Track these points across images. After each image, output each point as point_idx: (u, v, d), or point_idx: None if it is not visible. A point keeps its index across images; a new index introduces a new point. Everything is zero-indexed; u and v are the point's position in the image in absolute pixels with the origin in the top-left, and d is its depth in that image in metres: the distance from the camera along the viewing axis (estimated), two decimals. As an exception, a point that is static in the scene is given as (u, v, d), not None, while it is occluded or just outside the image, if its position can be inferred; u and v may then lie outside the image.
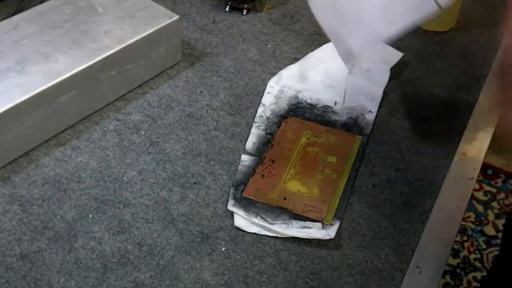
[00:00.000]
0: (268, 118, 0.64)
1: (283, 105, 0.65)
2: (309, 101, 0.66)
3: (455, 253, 1.41)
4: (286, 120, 0.63)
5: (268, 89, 0.67)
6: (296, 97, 0.66)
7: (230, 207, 0.54)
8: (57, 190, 0.55)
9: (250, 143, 0.61)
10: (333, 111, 0.65)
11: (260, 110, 0.65)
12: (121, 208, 0.54)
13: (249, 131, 0.63)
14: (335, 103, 0.66)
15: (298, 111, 0.65)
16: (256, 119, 0.63)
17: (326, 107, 0.65)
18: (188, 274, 0.50)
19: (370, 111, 0.65)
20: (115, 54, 0.61)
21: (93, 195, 0.55)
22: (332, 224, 0.53)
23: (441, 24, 0.79)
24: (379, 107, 0.66)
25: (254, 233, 0.53)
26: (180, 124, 0.63)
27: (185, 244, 0.52)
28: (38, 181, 0.56)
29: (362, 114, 0.65)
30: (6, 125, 0.55)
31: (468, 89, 0.70)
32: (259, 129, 0.62)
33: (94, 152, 0.59)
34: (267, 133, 0.62)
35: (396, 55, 0.72)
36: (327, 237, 0.52)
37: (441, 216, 0.56)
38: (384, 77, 0.69)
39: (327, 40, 0.75)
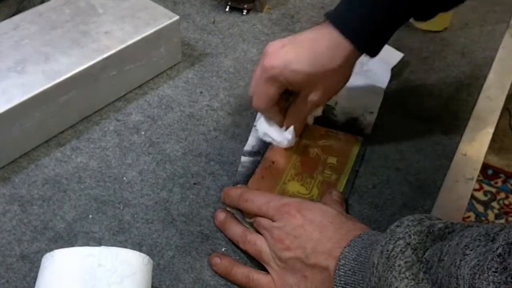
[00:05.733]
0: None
1: None
2: None
3: (455, 253, 1.41)
4: None
5: None
6: None
7: (230, 208, 0.54)
8: (57, 190, 0.55)
9: (249, 145, 0.61)
10: (333, 112, 0.65)
11: (258, 114, 0.64)
12: (121, 208, 0.54)
13: (249, 131, 0.63)
14: (336, 103, 0.66)
15: None
16: (256, 121, 0.63)
17: (327, 107, 0.65)
18: (188, 274, 0.50)
19: (371, 112, 0.65)
20: (115, 54, 0.61)
21: (93, 195, 0.55)
22: None
23: (435, 25, 0.79)
24: (379, 107, 0.66)
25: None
26: (180, 124, 0.63)
27: (185, 244, 0.52)
28: (38, 181, 0.56)
29: (362, 114, 0.65)
30: (6, 125, 0.55)
31: (468, 89, 0.70)
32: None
33: (94, 152, 0.59)
34: None
35: (396, 56, 0.72)
36: None
37: (441, 216, 0.55)
38: (385, 78, 0.69)
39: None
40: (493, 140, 0.64)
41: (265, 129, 0.59)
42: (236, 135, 0.63)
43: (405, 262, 0.37)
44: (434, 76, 0.72)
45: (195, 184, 0.57)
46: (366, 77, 0.69)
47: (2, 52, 0.59)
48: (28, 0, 0.75)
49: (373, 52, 0.55)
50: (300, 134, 0.61)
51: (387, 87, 0.69)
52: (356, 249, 0.44)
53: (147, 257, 0.43)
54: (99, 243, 0.51)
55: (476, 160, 0.61)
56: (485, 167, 1.71)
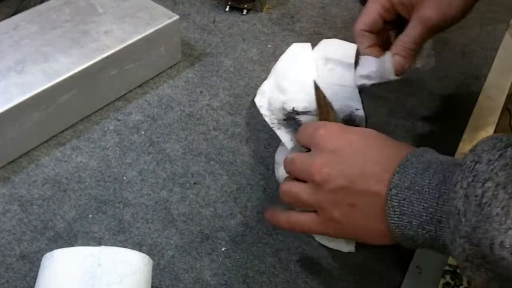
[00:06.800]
0: (279, 123, 0.62)
1: (279, 114, 0.63)
2: (296, 109, 0.63)
3: (455, 253, 1.41)
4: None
5: (259, 107, 0.64)
6: (284, 108, 0.64)
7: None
8: (57, 190, 0.55)
9: (287, 140, 0.58)
10: None
11: (267, 119, 0.62)
12: (121, 208, 0.54)
13: (249, 131, 0.62)
14: None
15: (292, 121, 0.62)
16: (271, 125, 0.60)
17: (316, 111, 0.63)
18: (188, 274, 0.50)
19: (357, 109, 0.64)
20: (115, 54, 0.61)
21: (93, 195, 0.55)
22: None
23: None
24: (378, 107, 0.66)
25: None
26: (180, 124, 0.63)
27: (185, 244, 0.52)
28: (38, 181, 0.56)
29: (352, 111, 0.64)
30: (6, 125, 0.55)
31: (468, 89, 0.70)
32: (283, 127, 0.60)
33: (94, 152, 0.59)
34: (295, 127, 0.59)
35: (351, 48, 0.67)
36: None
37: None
38: (350, 73, 0.65)
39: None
40: (493, 140, 0.64)
41: (360, 70, 0.57)
42: (236, 134, 0.63)
43: (502, 209, 0.33)
44: (434, 76, 0.72)
45: (195, 183, 0.57)
46: (331, 76, 0.65)
47: (2, 51, 0.59)
48: (28, 0, 0.75)
49: None
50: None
51: (387, 87, 0.68)
52: (408, 176, 0.40)
53: (147, 257, 0.43)
54: (99, 243, 0.51)
55: (476, 160, 0.61)
56: (485, 167, 1.70)
